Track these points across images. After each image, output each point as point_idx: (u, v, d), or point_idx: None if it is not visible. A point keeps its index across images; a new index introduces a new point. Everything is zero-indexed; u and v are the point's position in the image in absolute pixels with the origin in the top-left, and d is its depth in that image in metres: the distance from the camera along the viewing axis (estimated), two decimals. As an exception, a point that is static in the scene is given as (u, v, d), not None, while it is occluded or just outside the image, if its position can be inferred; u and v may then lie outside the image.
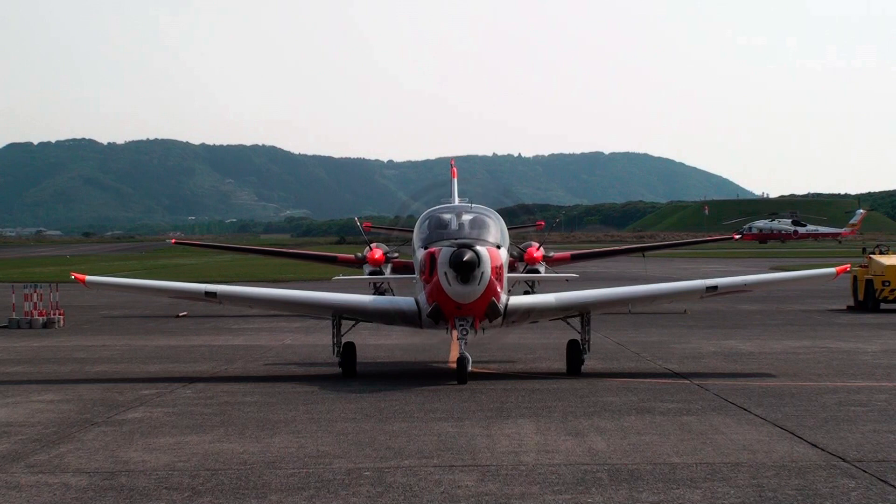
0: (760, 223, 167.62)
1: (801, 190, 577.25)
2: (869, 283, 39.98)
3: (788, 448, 14.25)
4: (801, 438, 14.89)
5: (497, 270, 20.42)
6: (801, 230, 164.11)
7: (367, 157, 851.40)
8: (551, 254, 40.19)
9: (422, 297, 21.23)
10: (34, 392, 20.41)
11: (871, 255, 41.18)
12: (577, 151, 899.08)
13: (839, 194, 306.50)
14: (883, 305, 39.94)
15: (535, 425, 16.10)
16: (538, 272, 36.16)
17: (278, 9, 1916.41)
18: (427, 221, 22.10)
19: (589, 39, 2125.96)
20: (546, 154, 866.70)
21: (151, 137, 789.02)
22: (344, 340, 22.62)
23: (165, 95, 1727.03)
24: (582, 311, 22.63)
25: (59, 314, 36.75)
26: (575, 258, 44.43)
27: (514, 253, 34.98)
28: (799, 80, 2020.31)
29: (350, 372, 22.23)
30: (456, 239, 20.67)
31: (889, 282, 39.39)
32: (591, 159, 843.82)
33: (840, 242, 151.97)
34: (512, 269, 26.95)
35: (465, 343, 20.82)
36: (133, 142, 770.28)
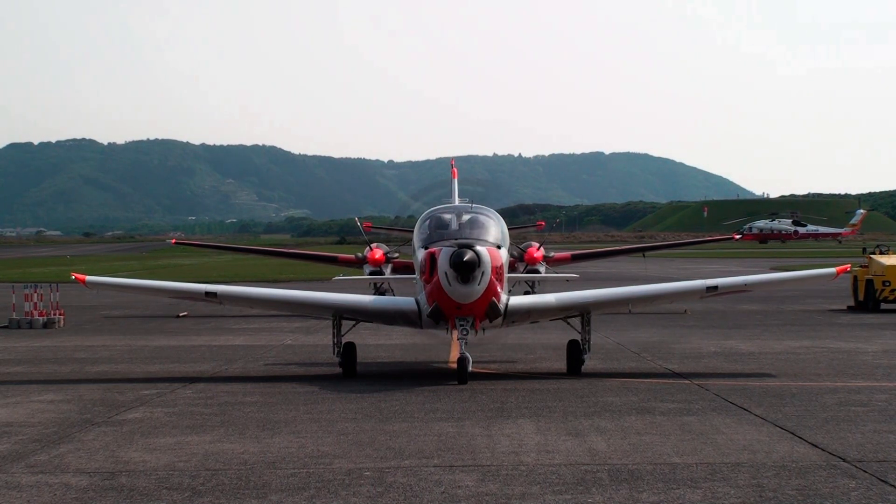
0: (760, 223, 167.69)
1: (801, 190, 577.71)
2: (869, 283, 39.99)
3: (789, 448, 14.25)
4: (802, 438, 14.88)
5: (497, 270, 20.41)
6: (801, 230, 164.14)
7: (367, 157, 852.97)
8: (551, 254, 40.22)
9: (422, 298, 21.22)
10: (34, 392, 20.41)
11: (872, 256, 41.18)
12: (578, 151, 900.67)
13: (839, 194, 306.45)
14: (883, 305, 39.95)
15: (535, 425, 16.09)
16: (538, 272, 36.16)
17: (279, 9, 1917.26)
18: (427, 221, 22.08)
19: (589, 40, 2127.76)
20: (546, 154, 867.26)
21: (151, 137, 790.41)
22: (344, 340, 22.62)
23: (165, 95, 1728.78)
24: (582, 311, 22.61)
25: (60, 314, 36.74)
26: (575, 258, 44.48)
27: (515, 253, 34.98)
28: (799, 80, 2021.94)
29: (350, 372, 22.23)
30: (456, 239, 20.67)
31: (889, 282, 39.40)
32: (592, 159, 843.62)
33: (840, 242, 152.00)
34: (512, 269, 26.96)
35: (466, 343, 20.82)
36: (133, 142, 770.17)
